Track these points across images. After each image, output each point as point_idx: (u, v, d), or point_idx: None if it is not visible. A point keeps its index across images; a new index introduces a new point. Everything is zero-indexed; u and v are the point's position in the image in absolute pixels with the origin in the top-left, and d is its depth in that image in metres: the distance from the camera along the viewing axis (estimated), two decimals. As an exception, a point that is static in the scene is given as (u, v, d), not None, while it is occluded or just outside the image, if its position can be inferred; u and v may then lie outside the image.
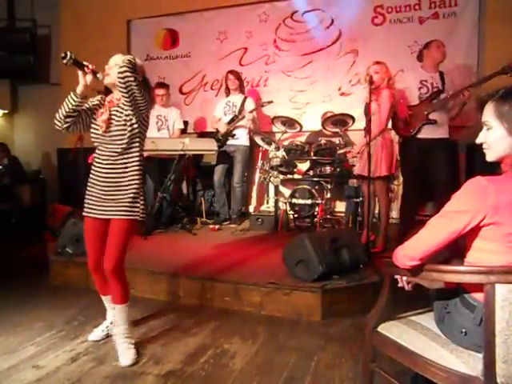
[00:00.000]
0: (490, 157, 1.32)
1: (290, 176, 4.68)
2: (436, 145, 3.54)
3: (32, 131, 6.90)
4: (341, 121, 4.39)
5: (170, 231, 4.48)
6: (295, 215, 4.44)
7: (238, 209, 4.78)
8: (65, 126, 2.17)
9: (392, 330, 1.50)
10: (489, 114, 1.30)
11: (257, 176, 4.92)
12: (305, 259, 2.78)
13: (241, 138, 4.68)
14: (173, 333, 2.48)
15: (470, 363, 1.26)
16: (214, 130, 4.86)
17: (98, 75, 2.15)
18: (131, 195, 2.17)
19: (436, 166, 3.55)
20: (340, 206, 4.94)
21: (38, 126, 6.80)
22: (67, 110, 2.13)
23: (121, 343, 2.22)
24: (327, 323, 2.63)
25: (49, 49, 6.60)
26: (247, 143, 4.74)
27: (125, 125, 2.13)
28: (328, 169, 4.26)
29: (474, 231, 1.27)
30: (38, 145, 6.83)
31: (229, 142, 4.65)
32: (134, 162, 2.19)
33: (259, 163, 4.81)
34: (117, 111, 2.16)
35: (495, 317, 1.17)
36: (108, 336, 2.43)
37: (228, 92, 4.84)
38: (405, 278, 1.46)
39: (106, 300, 2.42)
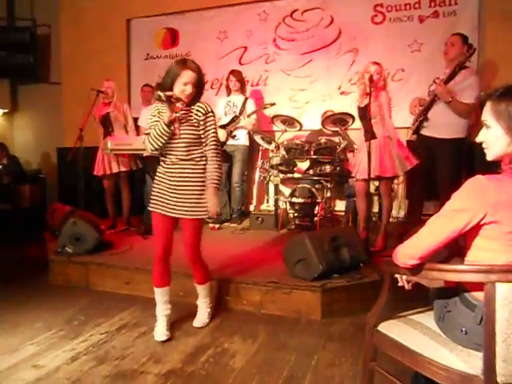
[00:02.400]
0: (490, 156, 1.33)
1: (289, 175, 4.66)
2: (441, 144, 3.53)
3: (32, 130, 6.89)
4: (341, 120, 4.37)
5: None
6: (295, 214, 4.43)
7: (237, 208, 4.78)
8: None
9: (392, 328, 1.50)
10: (487, 113, 1.30)
11: (257, 175, 4.91)
12: (305, 258, 2.77)
13: (240, 138, 4.67)
14: (173, 332, 2.47)
15: (470, 362, 1.26)
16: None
17: (179, 103, 2.24)
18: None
19: (441, 166, 3.54)
20: (340, 205, 4.94)
21: (38, 126, 6.80)
22: (163, 141, 2.29)
23: (203, 312, 2.62)
24: (327, 322, 2.63)
25: (49, 48, 6.58)
26: (246, 143, 4.73)
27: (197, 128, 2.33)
28: (328, 168, 4.24)
29: (475, 230, 1.27)
30: (37, 144, 6.82)
31: (228, 142, 4.64)
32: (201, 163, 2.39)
33: (259, 162, 4.80)
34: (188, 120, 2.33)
35: (495, 316, 1.17)
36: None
37: (229, 91, 4.82)
38: (405, 276, 1.46)
39: (163, 292, 2.45)
